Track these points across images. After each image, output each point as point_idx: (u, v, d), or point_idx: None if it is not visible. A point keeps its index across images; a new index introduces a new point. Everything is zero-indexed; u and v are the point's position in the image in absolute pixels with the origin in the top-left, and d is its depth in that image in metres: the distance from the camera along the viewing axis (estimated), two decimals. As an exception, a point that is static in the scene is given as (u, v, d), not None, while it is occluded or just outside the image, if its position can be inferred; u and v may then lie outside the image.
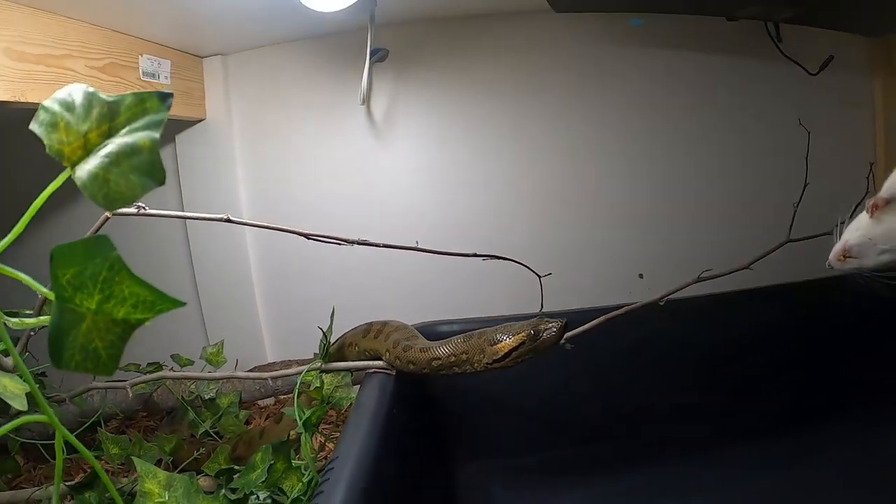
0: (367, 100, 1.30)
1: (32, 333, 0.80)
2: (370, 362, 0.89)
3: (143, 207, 0.69)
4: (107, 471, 1.00)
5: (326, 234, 0.77)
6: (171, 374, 0.95)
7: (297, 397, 0.81)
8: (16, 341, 0.83)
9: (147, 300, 0.35)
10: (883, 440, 1.00)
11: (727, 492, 0.93)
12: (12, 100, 0.83)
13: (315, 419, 0.79)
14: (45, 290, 0.36)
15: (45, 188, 0.39)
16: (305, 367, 0.85)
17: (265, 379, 0.91)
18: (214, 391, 1.05)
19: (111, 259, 0.34)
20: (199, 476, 0.85)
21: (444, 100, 1.36)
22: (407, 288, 1.37)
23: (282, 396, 1.23)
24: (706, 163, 1.41)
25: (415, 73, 1.35)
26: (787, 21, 1.29)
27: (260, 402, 1.29)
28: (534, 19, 1.34)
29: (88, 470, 0.87)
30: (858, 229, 0.75)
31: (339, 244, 0.78)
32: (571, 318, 0.84)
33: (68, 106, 0.39)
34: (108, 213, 0.70)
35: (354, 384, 0.87)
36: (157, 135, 0.39)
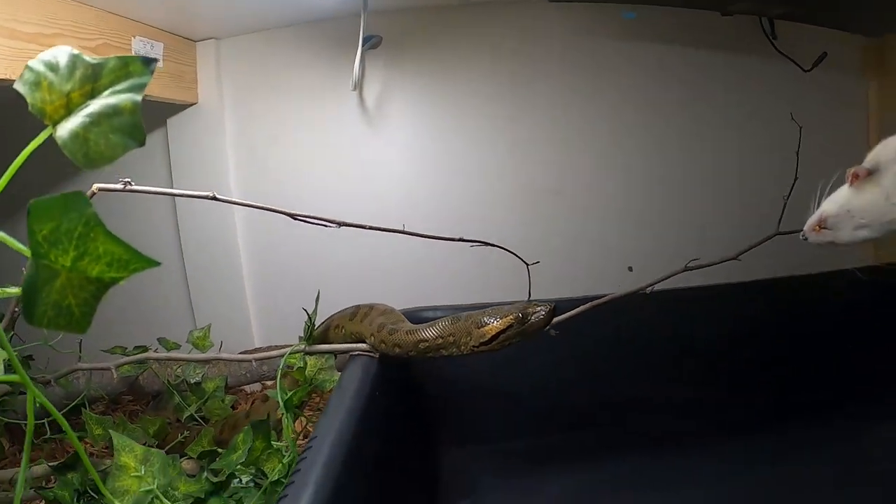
0: (359, 86, 1.30)
1: (17, 310, 0.80)
2: (354, 345, 0.89)
3: (130, 182, 0.69)
4: (91, 453, 1.00)
5: (312, 215, 0.77)
6: (156, 355, 0.94)
7: (281, 378, 0.81)
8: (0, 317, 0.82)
9: (122, 258, 0.35)
10: (871, 436, 1.00)
11: (712, 483, 0.94)
12: (4, 77, 0.82)
13: (297, 400, 0.79)
14: (21, 246, 0.36)
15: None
16: (289, 349, 0.85)
17: (249, 361, 0.90)
18: (200, 375, 1.04)
19: (87, 215, 0.34)
20: (182, 459, 0.85)
21: (436, 88, 1.36)
22: (395, 274, 1.37)
23: (268, 382, 1.23)
24: (698, 157, 1.41)
25: (408, 61, 1.35)
26: (782, 17, 1.30)
27: (246, 388, 1.29)
28: (528, 9, 1.34)
29: (71, 451, 0.87)
30: (837, 200, 0.73)
31: (325, 225, 0.78)
32: (559, 307, 0.84)
33: (52, 66, 0.39)
34: (94, 188, 0.69)
35: (339, 368, 0.87)
36: (138, 97, 0.39)
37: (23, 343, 0.94)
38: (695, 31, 1.36)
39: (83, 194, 0.34)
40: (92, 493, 0.74)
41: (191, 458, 0.88)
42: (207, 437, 0.89)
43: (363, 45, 1.23)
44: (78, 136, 0.37)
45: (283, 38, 1.35)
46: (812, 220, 0.75)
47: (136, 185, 0.71)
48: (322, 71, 1.35)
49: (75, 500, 0.73)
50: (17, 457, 1.02)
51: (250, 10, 1.24)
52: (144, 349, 1.05)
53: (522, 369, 1.06)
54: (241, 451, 0.76)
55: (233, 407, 1.13)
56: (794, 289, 1.14)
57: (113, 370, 0.91)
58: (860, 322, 1.12)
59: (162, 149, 1.35)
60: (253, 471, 0.76)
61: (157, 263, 0.36)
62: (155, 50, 1.17)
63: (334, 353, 0.88)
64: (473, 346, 0.78)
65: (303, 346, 0.86)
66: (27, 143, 0.39)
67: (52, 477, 0.80)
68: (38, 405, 0.44)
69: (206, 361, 1.00)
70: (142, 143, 0.38)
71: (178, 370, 1.06)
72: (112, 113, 0.38)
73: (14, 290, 0.48)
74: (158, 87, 1.19)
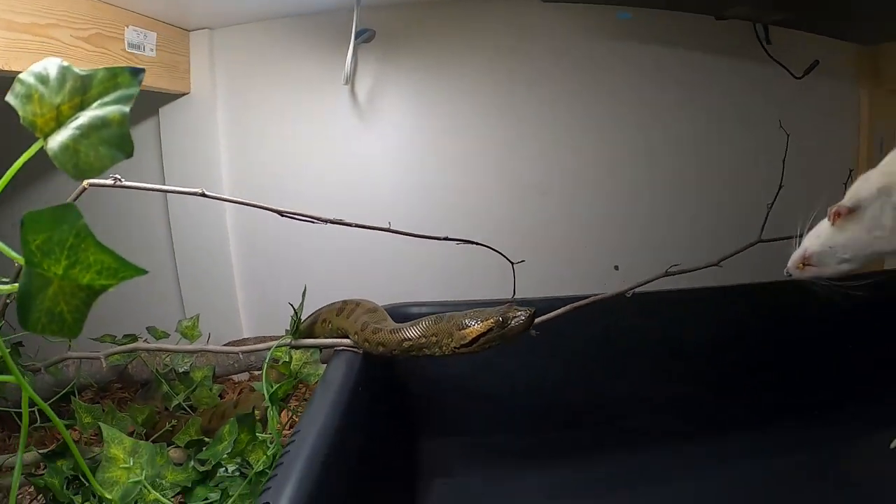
0: (350, 80, 1.30)
1: (9, 301, 0.81)
2: (338, 340, 0.90)
3: (119, 179, 0.70)
4: (80, 441, 1.01)
5: (300, 212, 0.78)
6: (145, 345, 0.96)
7: (267, 371, 0.82)
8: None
9: (111, 267, 0.37)
10: (849, 439, 1.01)
11: (689, 481, 0.95)
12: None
13: (282, 393, 0.80)
14: (15, 254, 0.37)
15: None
16: (275, 343, 0.87)
17: (236, 353, 0.92)
18: (188, 364, 1.06)
19: (78, 227, 0.36)
20: (170, 447, 0.87)
21: (428, 84, 1.37)
22: (382, 268, 1.38)
23: (255, 372, 1.24)
24: (687, 159, 1.42)
25: (400, 56, 1.35)
26: (778, 24, 1.30)
27: (234, 378, 1.30)
28: (523, 6, 1.35)
29: (61, 439, 0.88)
30: (819, 237, 0.74)
31: (313, 222, 0.79)
32: (543, 306, 0.86)
33: (43, 79, 0.41)
34: (85, 184, 0.70)
35: (323, 362, 0.89)
36: (126, 109, 0.40)
37: (14, 331, 0.95)
38: (689, 34, 1.37)
39: (75, 206, 0.36)
40: (83, 480, 0.76)
41: (178, 446, 0.90)
42: (195, 426, 0.91)
43: (356, 39, 1.23)
44: (68, 148, 0.38)
45: (277, 30, 1.35)
46: (795, 257, 0.76)
47: (126, 172, 0.71)
48: (315, 64, 1.35)
49: (65, 486, 0.75)
50: (6, 443, 1.04)
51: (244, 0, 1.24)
52: (134, 338, 1.06)
53: (507, 368, 1.07)
54: (227, 442, 0.78)
55: (220, 396, 1.15)
56: (776, 293, 1.15)
57: (102, 359, 0.93)
58: (840, 328, 1.14)
59: (154, 138, 1.35)
60: (238, 461, 0.78)
61: (145, 272, 0.38)
62: (148, 39, 1.17)
63: (320, 347, 0.90)
64: (455, 348, 0.79)
65: (288, 340, 0.88)
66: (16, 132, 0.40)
67: (41, 464, 0.81)
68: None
69: (195, 352, 1.02)
70: (129, 155, 0.39)
71: (167, 359, 1.08)
72: (101, 125, 0.39)
73: (6, 288, 0.50)
74: (151, 77, 1.19)
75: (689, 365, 1.13)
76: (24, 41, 0.88)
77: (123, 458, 0.64)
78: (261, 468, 0.76)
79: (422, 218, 1.38)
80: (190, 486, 0.75)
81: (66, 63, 0.40)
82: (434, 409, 1.08)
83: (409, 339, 0.81)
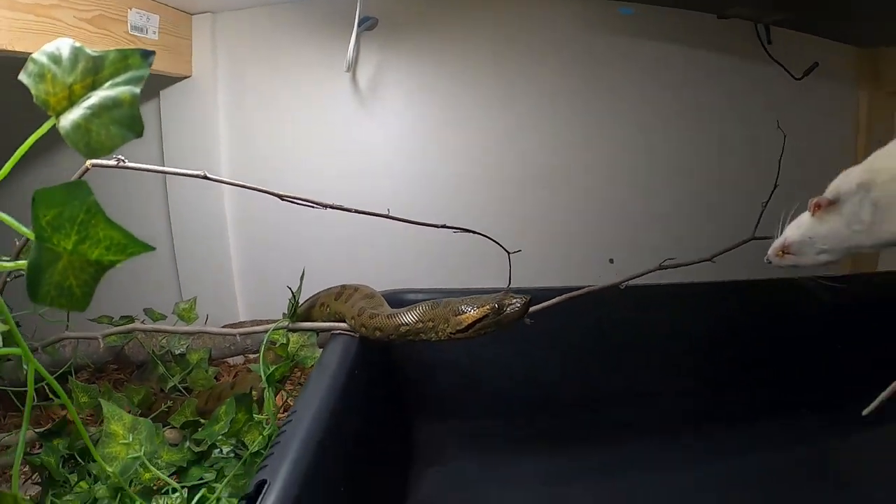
0: (352, 67, 1.31)
1: (8, 279, 0.82)
2: (335, 324, 0.91)
3: (123, 160, 0.71)
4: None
5: (300, 197, 0.79)
6: (142, 326, 0.96)
7: (264, 353, 0.83)
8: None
9: (120, 243, 0.38)
10: (842, 435, 1.02)
11: (677, 471, 0.96)
12: (2, 48, 0.83)
13: (279, 375, 0.81)
14: (26, 230, 0.38)
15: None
16: (273, 325, 0.88)
17: (234, 335, 0.93)
18: (185, 346, 1.07)
19: (88, 203, 0.37)
20: (165, 428, 0.88)
21: (430, 73, 1.38)
22: (381, 254, 1.39)
23: (251, 355, 1.25)
24: (686, 156, 1.44)
25: (403, 45, 1.36)
26: (779, 24, 1.31)
27: (230, 361, 1.31)
28: (527, -2, 1.35)
29: (58, 418, 0.89)
30: (800, 227, 0.75)
31: (313, 207, 0.79)
32: (538, 296, 0.87)
33: (55, 59, 0.41)
34: (88, 164, 0.71)
35: (320, 345, 0.90)
36: (137, 90, 0.41)
37: (11, 310, 0.95)
38: (690, 32, 1.38)
39: (85, 183, 0.36)
40: (79, 459, 0.77)
41: (174, 427, 0.90)
42: (191, 407, 0.92)
43: (359, 27, 1.24)
44: (80, 127, 0.39)
45: (280, 15, 1.35)
46: (776, 245, 0.77)
47: (126, 154, 0.72)
48: (317, 50, 1.36)
49: (61, 465, 0.75)
50: (3, 422, 1.05)
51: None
52: (131, 319, 1.07)
53: (503, 357, 1.09)
54: (223, 423, 0.79)
55: (216, 378, 1.16)
56: (769, 290, 1.17)
57: (100, 339, 0.93)
58: (830, 327, 1.15)
59: (154, 120, 1.35)
60: (234, 442, 0.79)
61: (153, 248, 0.39)
62: (151, 22, 1.17)
63: (316, 330, 0.90)
64: (451, 333, 0.80)
65: (286, 323, 0.88)
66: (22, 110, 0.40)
67: (37, 443, 0.82)
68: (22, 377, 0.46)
69: (192, 334, 1.02)
70: (139, 135, 0.40)
71: (164, 341, 1.08)
72: (112, 105, 0.40)
73: (8, 265, 0.50)
74: (153, 59, 1.19)
75: (682, 358, 1.14)
76: (27, 21, 0.88)
77: (123, 434, 0.65)
78: (256, 449, 0.77)
79: (421, 206, 1.38)
80: (185, 465, 0.76)
81: (78, 44, 0.41)
82: (430, 394, 1.09)
83: (406, 324, 0.82)
